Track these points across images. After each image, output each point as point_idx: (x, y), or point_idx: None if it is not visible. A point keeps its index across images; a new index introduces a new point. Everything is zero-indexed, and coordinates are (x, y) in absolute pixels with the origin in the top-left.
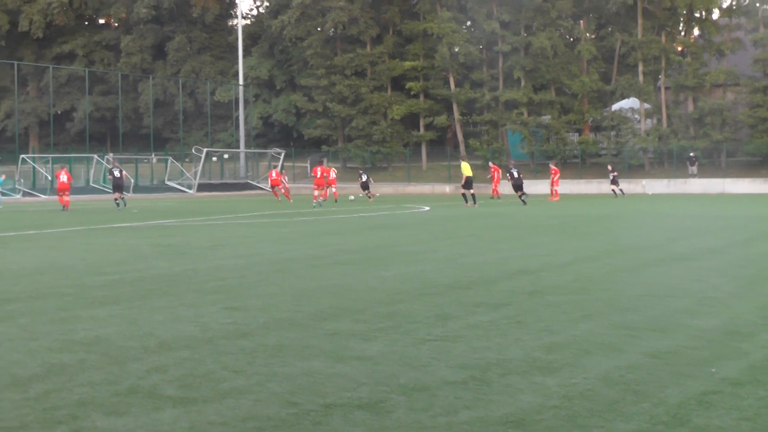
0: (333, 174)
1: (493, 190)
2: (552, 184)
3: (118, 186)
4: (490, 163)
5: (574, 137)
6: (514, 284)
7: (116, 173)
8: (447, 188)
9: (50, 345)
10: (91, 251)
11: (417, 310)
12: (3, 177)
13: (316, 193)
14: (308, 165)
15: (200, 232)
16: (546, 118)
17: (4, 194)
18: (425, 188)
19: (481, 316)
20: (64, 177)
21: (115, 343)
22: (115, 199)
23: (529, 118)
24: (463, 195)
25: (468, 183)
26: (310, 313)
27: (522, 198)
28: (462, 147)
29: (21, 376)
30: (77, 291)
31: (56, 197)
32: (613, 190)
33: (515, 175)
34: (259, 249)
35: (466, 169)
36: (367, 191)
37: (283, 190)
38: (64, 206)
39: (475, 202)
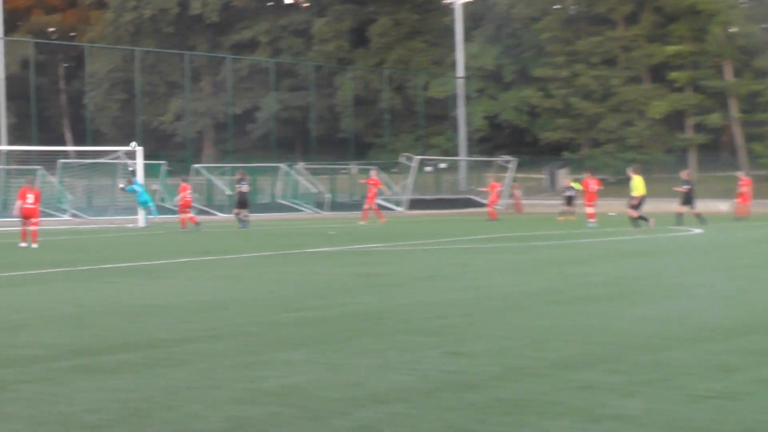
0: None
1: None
2: None
3: (243, 202)
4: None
5: None
6: None
7: (244, 188)
8: (723, 205)
9: (235, 395)
10: (281, 282)
11: (690, 359)
12: (155, 187)
13: (590, 210)
14: (546, 176)
15: (413, 260)
16: None
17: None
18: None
19: None
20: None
21: (314, 393)
22: (236, 214)
23: None
24: (637, 218)
25: (641, 203)
26: (552, 360)
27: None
28: (743, 153)
29: (201, 431)
30: (266, 330)
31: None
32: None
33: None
34: (487, 281)
35: (639, 185)
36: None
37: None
38: (193, 225)
39: (647, 223)
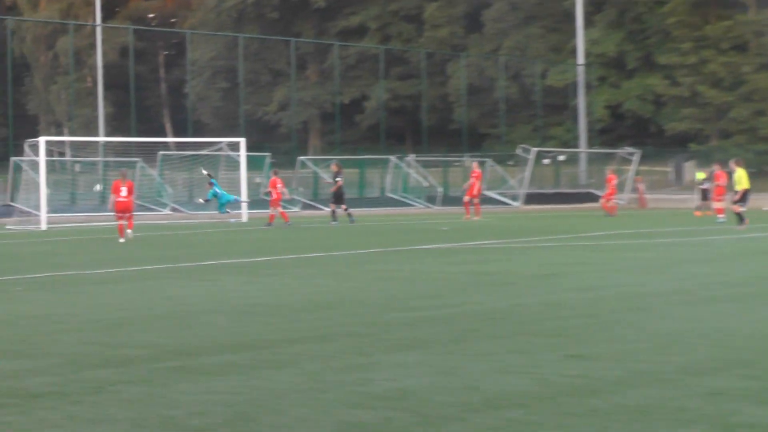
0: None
1: None
2: None
3: (341, 196)
4: None
5: None
6: None
7: (340, 180)
8: None
9: (344, 398)
10: (390, 280)
11: None
12: (259, 180)
13: (719, 205)
14: (672, 169)
15: (530, 257)
16: None
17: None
18: None
19: None
20: (279, 186)
21: (427, 398)
22: (334, 211)
23: None
24: (739, 214)
25: (744, 198)
26: (681, 364)
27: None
28: None
29: None
30: (376, 330)
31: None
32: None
33: None
34: (609, 280)
35: (743, 178)
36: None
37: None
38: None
39: (742, 222)
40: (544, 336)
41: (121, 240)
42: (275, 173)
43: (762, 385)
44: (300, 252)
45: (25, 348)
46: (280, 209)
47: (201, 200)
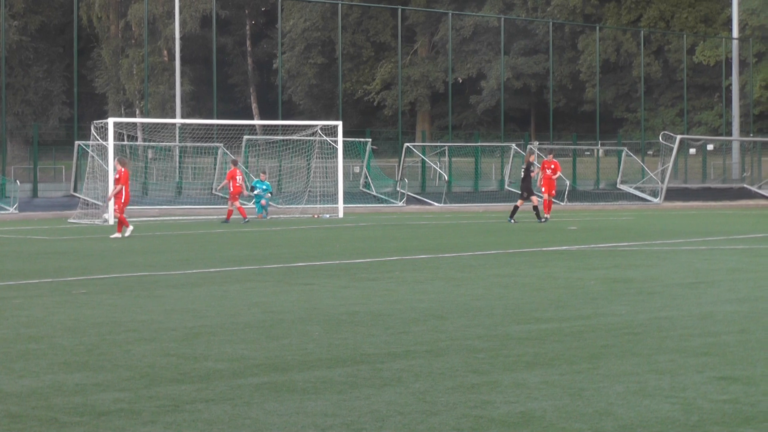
0: None
1: None
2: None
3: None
4: None
5: None
6: None
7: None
8: None
9: (456, 423)
10: (511, 286)
11: None
12: (358, 170)
13: None
14: None
15: (674, 262)
16: None
17: (383, 200)
18: None
19: None
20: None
21: (552, 423)
22: (537, 211)
23: None
24: None
25: None
26: None
27: None
28: None
29: None
30: (495, 345)
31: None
32: None
33: None
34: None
35: None
36: None
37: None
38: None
39: None
40: (691, 354)
41: (120, 235)
42: (234, 163)
43: None
44: (406, 253)
45: (90, 359)
46: (238, 204)
47: (247, 192)
